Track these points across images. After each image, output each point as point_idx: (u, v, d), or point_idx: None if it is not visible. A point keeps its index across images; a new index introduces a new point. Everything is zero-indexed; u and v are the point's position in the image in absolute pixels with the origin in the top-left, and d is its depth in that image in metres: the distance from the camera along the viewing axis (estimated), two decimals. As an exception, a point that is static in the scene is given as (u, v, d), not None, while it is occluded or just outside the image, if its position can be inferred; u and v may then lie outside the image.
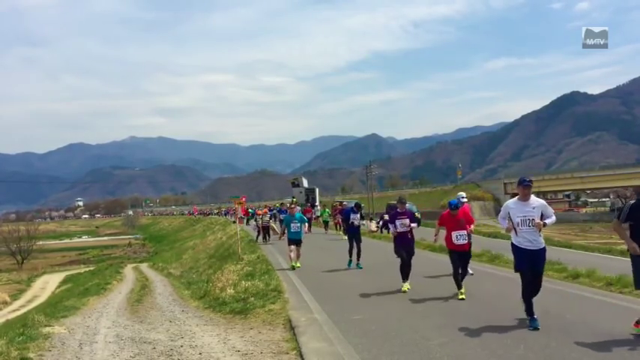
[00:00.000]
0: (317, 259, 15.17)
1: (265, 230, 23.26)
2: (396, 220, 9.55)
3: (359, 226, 13.84)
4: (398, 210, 9.73)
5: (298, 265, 13.47)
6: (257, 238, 23.83)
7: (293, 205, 14.78)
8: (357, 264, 12.99)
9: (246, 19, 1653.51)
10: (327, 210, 29.83)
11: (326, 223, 28.06)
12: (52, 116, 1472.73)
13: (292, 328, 7.24)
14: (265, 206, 38.25)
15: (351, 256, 13.21)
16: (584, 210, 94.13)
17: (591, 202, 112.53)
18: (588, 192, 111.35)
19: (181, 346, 7.12)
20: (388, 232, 18.24)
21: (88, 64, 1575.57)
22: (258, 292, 10.01)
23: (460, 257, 8.61)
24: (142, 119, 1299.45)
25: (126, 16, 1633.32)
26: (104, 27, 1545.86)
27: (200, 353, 6.64)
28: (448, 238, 8.67)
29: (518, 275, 6.66)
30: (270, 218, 24.72)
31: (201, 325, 8.73)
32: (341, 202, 33.14)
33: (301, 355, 6.02)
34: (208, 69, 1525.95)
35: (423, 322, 7.11)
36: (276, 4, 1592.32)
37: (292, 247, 13.44)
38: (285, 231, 13.90)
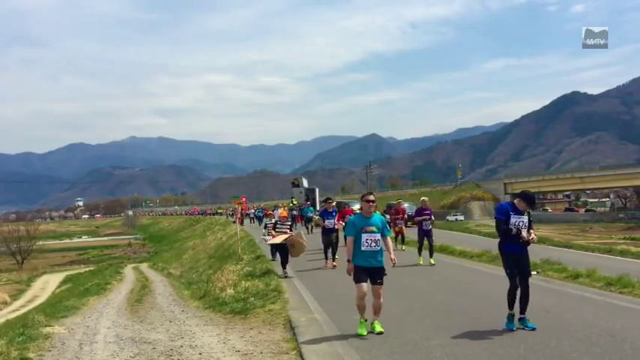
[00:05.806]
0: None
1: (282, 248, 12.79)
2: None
3: (528, 242, 6.58)
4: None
5: (379, 328, 6.52)
6: (275, 258, 14.66)
7: (371, 198, 6.82)
8: (524, 320, 6.46)
9: (245, 20, 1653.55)
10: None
11: None
12: (52, 116, 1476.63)
13: (292, 328, 7.23)
14: (283, 206, 27.75)
15: (512, 305, 6.46)
16: (583, 210, 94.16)
17: (591, 202, 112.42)
18: (588, 192, 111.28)
19: (181, 346, 7.12)
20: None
21: (88, 65, 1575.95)
22: (258, 292, 10.01)
23: None
24: (142, 119, 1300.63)
25: (125, 17, 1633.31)
26: (104, 28, 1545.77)
27: (200, 353, 6.63)
28: None
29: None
30: (292, 225, 14.11)
31: (201, 325, 8.72)
32: (345, 203, 25.46)
33: (301, 355, 6.02)
34: (208, 70, 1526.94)
35: (423, 322, 7.11)
36: (275, 5, 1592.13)
37: (365, 284, 6.51)
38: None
